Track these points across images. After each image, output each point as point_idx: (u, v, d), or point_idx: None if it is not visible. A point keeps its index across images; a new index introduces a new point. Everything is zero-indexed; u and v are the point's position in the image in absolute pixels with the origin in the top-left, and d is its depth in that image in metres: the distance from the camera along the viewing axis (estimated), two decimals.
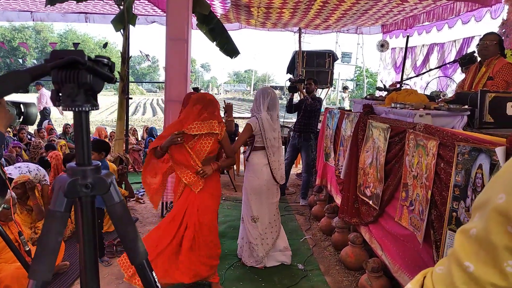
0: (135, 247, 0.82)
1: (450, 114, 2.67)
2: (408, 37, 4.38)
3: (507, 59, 3.74)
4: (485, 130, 2.56)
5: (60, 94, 0.75)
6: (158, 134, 8.06)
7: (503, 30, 4.75)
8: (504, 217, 0.50)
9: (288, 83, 5.70)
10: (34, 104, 1.40)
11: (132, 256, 0.83)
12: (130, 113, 7.09)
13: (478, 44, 3.53)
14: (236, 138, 3.80)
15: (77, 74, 0.72)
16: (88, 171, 0.79)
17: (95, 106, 0.78)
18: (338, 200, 4.15)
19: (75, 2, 5.18)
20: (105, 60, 0.77)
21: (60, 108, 0.79)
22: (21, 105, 1.29)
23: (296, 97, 5.86)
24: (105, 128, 8.63)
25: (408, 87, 4.21)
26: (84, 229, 0.79)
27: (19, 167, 3.78)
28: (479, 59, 3.61)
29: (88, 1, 5.52)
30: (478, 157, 1.80)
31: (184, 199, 2.95)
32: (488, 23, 5.63)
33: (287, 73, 9.21)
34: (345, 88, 17.65)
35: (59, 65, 0.68)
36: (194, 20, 5.54)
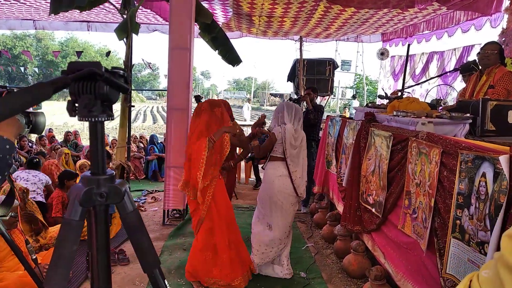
0: (148, 255, 0.83)
1: (452, 122, 2.69)
2: (409, 45, 4.42)
3: (508, 68, 3.78)
4: (487, 138, 2.58)
5: (76, 105, 0.76)
6: (159, 141, 8.09)
7: (503, 39, 4.78)
8: None
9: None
10: (42, 113, 1.41)
11: (145, 264, 0.84)
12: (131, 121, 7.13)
13: (479, 53, 3.56)
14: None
15: (94, 85, 0.74)
16: (103, 180, 0.80)
17: (110, 116, 0.80)
18: (340, 207, 4.15)
19: (78, 10, 5.23)
20: (121, 71, 0.79)
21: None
22: (30, 114, 1.30)
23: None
24: (107, 136, 8.64)
25: (409, 95, 4.23)
26: (98, 237, 0.80)
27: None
28: (479, 67, 3.64)
29: (90, 10, 5.55)
30: (481, 165, 1.81)
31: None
32: (488, 32, 5.67)
33: (287, 81, 9.25)
34: (354, 97, 17.74)
35: (80, 76, 0.70)
36: (196, 28, 5.59)
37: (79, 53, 7.07)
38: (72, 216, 0.77)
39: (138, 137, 8.51)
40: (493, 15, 5.54)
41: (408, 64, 8.85)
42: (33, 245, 3.44)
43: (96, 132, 0.79)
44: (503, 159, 1.60)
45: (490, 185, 1.74)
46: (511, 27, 4.70)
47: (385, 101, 4.07)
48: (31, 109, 1.40)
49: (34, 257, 1.97)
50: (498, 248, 1.57)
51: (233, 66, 5.71)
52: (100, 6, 5.68)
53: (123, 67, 4.92)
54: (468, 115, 2.73)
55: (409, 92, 4.62)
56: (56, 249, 0.78)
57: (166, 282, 0.85)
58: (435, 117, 2.76)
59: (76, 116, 0.77)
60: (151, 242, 0.86)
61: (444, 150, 2.16)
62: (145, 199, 6.05)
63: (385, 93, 4.02)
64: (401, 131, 2.82)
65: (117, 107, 5.37)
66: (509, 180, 1.59)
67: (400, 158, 2.75)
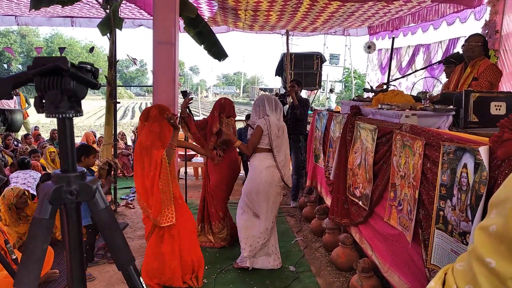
0: (121, 253, 0.82)
1: (436, 115, 2.71)
2: (393, 38, 4.43)
3: (491, 60, 3.82)
4: (470, 130, 2.61)
5: (44, 101, 0.74)
6: None
7: (486, 31, 4.83)
8: None
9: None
10: (19, 111, 1.38)
11: (119, 262, 0.82)
12: (118, 117, 7.07)
13: (463, 45, 3.58)
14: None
15: (60, 81, 0.72)
16: (73, 178, 0.79)
17: (79, 112, 0.78)
18: (328, 201, 4.17)
19: (60, 6, 5.13)
20: (89, 66, 0.77)
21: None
22: (6, 112, 1.27)
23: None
24: (94, 133, 8.54)
25: (394, 88, 4.26)
26: (70, 236, 0.78)
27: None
28: (459, 62, 3.67)
29: (73, 5, 5.45)
30: (463, 157, 1.83)
31: None
32: (473, 24, 5.72)
33: (275, 76, 9.23)
34: (331, 90, 18.09)
35: (42, 72, 0.68)
36: (181, 23, 5.53)
37: (62, 49, 6.94)
38: (42, 214, 0.76)
39: (121, 135, 8.40)
40: (477, 8, 5.60)
41: (395, 57, 8.92)
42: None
43: (65, 129, 0.77)
44: (482, 150, 1.62)
45: (471, 176, 1.76)
46: (493, 19, 4.75)
47: (371, 95, 4.09)
48: (6, 107, 1.37)
49: (14, 256, 1.94)
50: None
51: (219, 60, 5.68)
52: (83, 1, 5.59)
53: (108, 63, 4.86)
54: (451, 107, 2.75)
55: (394, 85, 4.64)
56: (26, 248, 0.76)
57: (142, 280, 0.84)
58: (419, 110, 2.78)
59: (44, 113, 0.75)
60: (124, 239, 0.85)
61: (427, 142, 2.18)
62: (134, 196, 5.99)
63: (371, 86, 4.04)
64: (385, 124, 2.83)
65: (103, 104, 5.30)
66: (489, 171, 1.60)
67: (385, 151, 2.77)
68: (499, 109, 2.76)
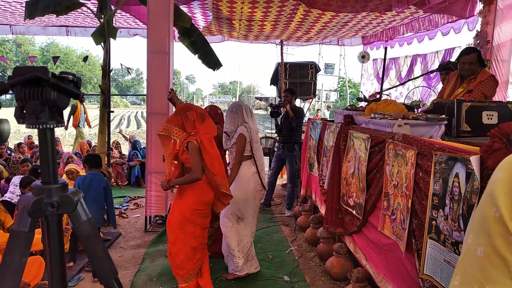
0: (104, 265, 0.80)
1: (428, 124, 2.71)
2: (386, 48, 4.47)
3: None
4: (462, 139, 2.61)
5: (24, 112, 0.73)
6: (142, 147, 7.99)
7: (478, 41, 4.88)
8: (504, 228, 0.51)
9: (269, 109, 5.92)
10: (6, 121, 1.37)
11: (101, 274, 0.80)
12: (114, 126, 7.04)
13: (458, 61, 3.51)
14: None
15: (41, 91, 0.71)
16: (54, 190, 0.77)
17: (60, 123, 0.77)
18: (322, 210, 4.15)
19: (55, 15, 5.14)
20: (70, 76, 0.75)
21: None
22: None
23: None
24: (89, 142, 8.49)
25: (388, 97, 4.28)
26: (51, 248, 0.76)
27: None
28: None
29: (68, 14, 5.46)
30: (454, 166, 1.83)
31: None
32: (466, 34, 5.79)
33: (270, 85, 9.28)
34: (328, 107, 18.63)
35: (20, 82, 0.66)
36: (176, 32, 5.55)
37: (55, 58, 6.94)
38: (20, 227, 0.74)
39: (115, 144, 8.36)
40: (469, 18, 5.66)
41: (393, 67, 8.99)
42: None
43: (46, 140, 0.76)
44: (473, 160, 1.62)
45: (463, 186, 1.76)
46: (484, 30, 4.80)
47: (364, 104, 4.10)
48: None
49: None
50: None
51: (214, 70, 5.69)
52: (78, 10, 5.60)
53: (102, 72, 4.87)
54: (443, 116, 2.75)
55: (387, 95, 4.66)
56: (4, 261, 0.74)
57: None
58: (411, 119, 2.78)
59: (25, 124, 0.74)
60: (107, 251, 0.83)
61: (419, 152, 2.18)
62: (127, 205, 5.96)
63: (364, 96, 4.05)
64: (378, 133, 2.84)
65: (97, 113, 5.28)
66: (480, 180, 1.60)
67: (378, 160, 2.77)
68: (491, 118, 2.78)
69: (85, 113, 9.59)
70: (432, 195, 2.00)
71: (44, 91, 0.71)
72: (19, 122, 0.75)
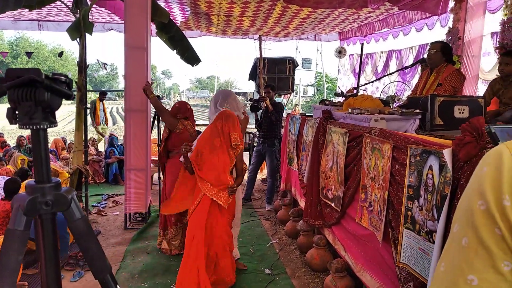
0: (98, 262, 0.82)
1: (403, 118, 2.81)
2: (362, 44, 4.57)
3: (455, 65, 3.99)
4: (436, 132, 2.72)
5: (17, 112, 0.74)
6: (119, 143, 7.89)
7: (450, 38, 5.05)
8: (490, 219, 0.54)
9: (249, 104, 5.95)
10: None
11: (96, 270, 0.83)
12: (89, 123, 6.91)
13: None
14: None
15: (34, 92, 0.72)
16: (48, 188, 0.79)
17: (53, 123, 0.78)
18: (302, 203, 4.23)
19: (27, 9, 4.99)
20: (63, 77, 0.77)
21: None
22: None
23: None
24: (64, 139, 8.31)
25: (364, 92, 4.38)
26: (45, 246, 0.78)
27: None
28: None
29: (40, 8, 5.31)
30: (428, 159, 1.92)
31: None
32: (439, 31, 5.98)
33: (249, 80, 9.30)
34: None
35: (16, 85, 0.68)
36: (154, 27, 5.49)
37: (29, 54, 6.77)
38: (16, 226, 0.75)
39: (91, 141, 8.24)
40: (442, 15, 5.84)
41: (370, 62, 9.17)
42: None
43: (39, 140, 0.77)
44: (446, 152, 1.70)
45: (437, 177, 1.84)
46: (456, 26, 4.97)
47: (342, 99, 4.19)
48: None
49: None
50: (444, 236, 1.67)
51: (192, 65, 5.67)
52: (51, 4, 5.45)
53: (77, 67, 4.77)
54: (417, 111, 2.86)
55: (364, 90, 4.77)
56: (0, 260, 0.75)
57: (118, 287, 0.85)
58: (387, 114, 2.87)
59: (17, 124, 0.75)
60: (101, 248, 0.85)
61: (395, 145, 2.26)
62: (106, 203, 5.89)
63: (341, 91, 4.14)
64: (356, 127, 2.92)
65: (72, 109, 5.18)
66: (452, 172, 1.69)
67: (355, 154, 2.85)
68: (462, 113, 2.90)
69: (103, 111, 9.57)
70: (407, 186, 2.09)
71: (37, 92, 0.72)
72: (11, 123, 0.76)
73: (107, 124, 10.32)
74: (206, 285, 2.86)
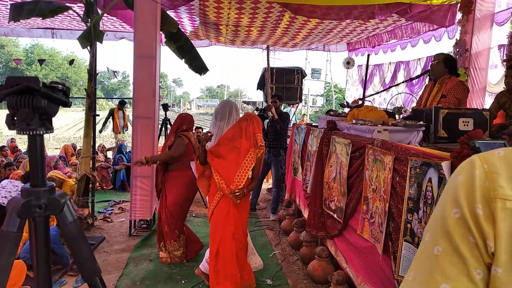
0: (88, 265, 0.84)
1: (407, 130, 2.81)
2: (368, 56, 4.58)
3: (461, 77, 3.98)
4: (439, 145, 2.71)
5: (15, 118, 0.78)
6: (128, 151, 7.97)
7: (457, 50, 5.04)
8: (465, 227, 0.55)
9: (256, 112, 5.97)
10: None
11: (85, 273, 0.85)
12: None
13: None
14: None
15: (32, 100, 0.75)
16: (42, 192, 0.82)
17: (49, 129, 0.81)
18: (306, 214, 4.22)
19: (40, 18, 5.12)
20: (60, 86, 0.80)
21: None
22: None
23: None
24: (74, 145, 8.43)
25: (370, 103, 4.39)
26: (37, 248, 0.81)
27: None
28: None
29: (54, 17, 5.45)
30: (428, 171, 1.92)
31: None
32: (446, 43, 5.98)
33: (257, 89, 9.36)
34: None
35: (13, 92, 0.71)
36: (163, 36, 5.58)
37: (41, 61, 6.91)
38: (9, 227, 0.78)
39: (100, 148, 8.33)
40: (449, 27, 5.85)
41: (378, 73, 9.18)
42: None
43: (36, 145, 0.81)
44: (445, 165, 1.71)
45: (436, 190, 1.84)
46: (463, 38, 4.96)
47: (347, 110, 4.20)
48: None
49: None
50: None
51: (200, 75, 5.73)
52: (64, 13, 5.59)
53: (88, 75, 4.86)
54: (421, 122, 2.86)
55: (369, 101, 4.78)
56: None
57: None
58: (390, 125, 2.87)
59: (15, 130, 0.78)
60: (91, 251, 0.88)
61: (396, 157, 2.27)
62: (112, 209, 5.93)
63: (347, 102, 4.15)
64: (359, 138, 2.92)
65: (83, 116, 5.27)
66: None
67: (358, 165, 2.85)
68: (467, 125, 2.89)
69: (124, 119, 9.70)
70: (407, 198, 2.09)
71: (35, 100, 0.76)
72: (10, 128, 0.80)
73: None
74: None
